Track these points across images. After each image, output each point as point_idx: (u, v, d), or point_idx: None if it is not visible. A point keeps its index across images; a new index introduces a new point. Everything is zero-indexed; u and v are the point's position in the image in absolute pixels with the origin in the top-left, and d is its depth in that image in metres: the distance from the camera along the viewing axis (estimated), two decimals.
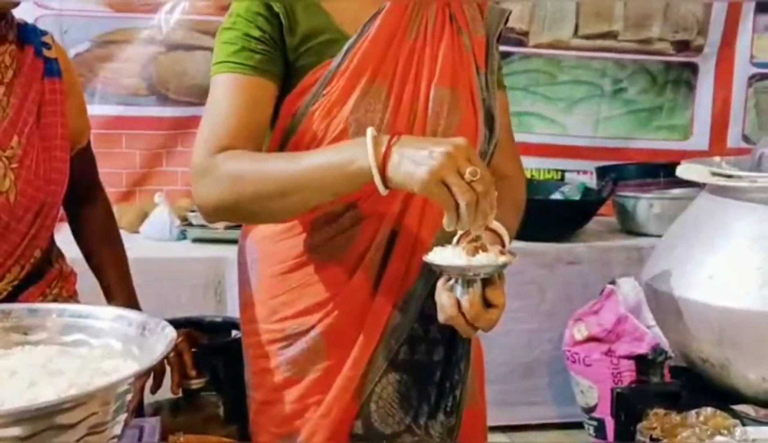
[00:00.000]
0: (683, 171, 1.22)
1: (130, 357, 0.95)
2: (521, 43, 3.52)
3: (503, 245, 1.17)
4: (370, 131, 1.05)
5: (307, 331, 1.24)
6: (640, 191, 3.13)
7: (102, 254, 1.58)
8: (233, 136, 1.16)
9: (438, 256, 1.07)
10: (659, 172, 3.15)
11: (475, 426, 1.33)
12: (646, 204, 3.10)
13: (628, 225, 3.17)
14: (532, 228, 2.85)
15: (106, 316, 0.98)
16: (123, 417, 0.85)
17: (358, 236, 1.22)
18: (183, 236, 2.97)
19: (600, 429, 2.78)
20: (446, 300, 1.07)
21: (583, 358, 2.80)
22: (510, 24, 3.40)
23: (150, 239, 2.93)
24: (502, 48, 3.49)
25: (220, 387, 1.56)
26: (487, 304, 1.07)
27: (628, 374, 2.72)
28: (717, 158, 1.31)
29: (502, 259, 1.06)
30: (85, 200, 1.57)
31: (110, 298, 1.53)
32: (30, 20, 1.46)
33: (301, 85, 1.21)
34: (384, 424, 1.24)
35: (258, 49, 1.19)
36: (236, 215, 1.20)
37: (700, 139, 3.67)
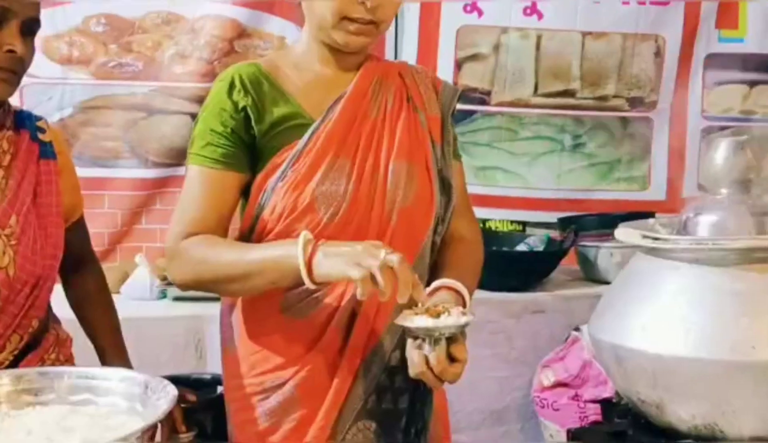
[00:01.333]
0: (619, 234, 1.37)
1: (134, 414, 1.07)
2: (484, 102, 3.71)
3: (464, 304, 1.32)
4: (303, 235, 1.22)
5: (283, 384, 1.38)
6: (600, 240, 3.27)
7: (95, 319, 1.68)
8: (198, 223, 1.35)
9: (407, 319, 1.21)
10: (618, 222, 3.28)
11: None
12: (606, 253, 3.24)
13: (590, 273, 3.32)
14: (499, 278, 3.05)
15: (112, 377, 1.10)
16: None
17: (327, 297, 1.36)
18: (163, 294, 3.05)
19: None
20: (416, 358, 1.21)
21: (551, 403, 2.92)
22: (473, 84, 3.67)
23: (131, 299, 3.02)
24: (467, 107, 3.72)
25: (207, 441, 1.66)
26: (452, 359, 1.21)
27: (594, 417, 2.82)
28: (651, 220, 1.48)
29: (464, 319, 1.22)
30: (78, 269, 1.68)
31: (104, 360, 1.63)
32: (18, 88, 1.56)
33: (271, 164, 1.37)
34: None
35: (220, 143, 1.37)
36: (203, 290, 1.37)
37: (657, 189, 3.84)
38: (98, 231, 3.28)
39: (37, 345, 1.50)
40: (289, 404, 1.37)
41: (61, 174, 1.53)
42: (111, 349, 1.65)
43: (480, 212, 3.73)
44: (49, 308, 1.56)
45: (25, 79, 1.48)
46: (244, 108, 1.37)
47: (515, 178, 3.73)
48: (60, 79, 3.34)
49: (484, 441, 2.96)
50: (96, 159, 3.39)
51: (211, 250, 1.31)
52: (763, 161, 1.27)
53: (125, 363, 1.62)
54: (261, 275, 1.26)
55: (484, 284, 3.02)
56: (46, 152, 1.51)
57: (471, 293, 1.39)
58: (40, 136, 1.52)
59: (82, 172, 3.21)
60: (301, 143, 1.36)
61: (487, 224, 3.62)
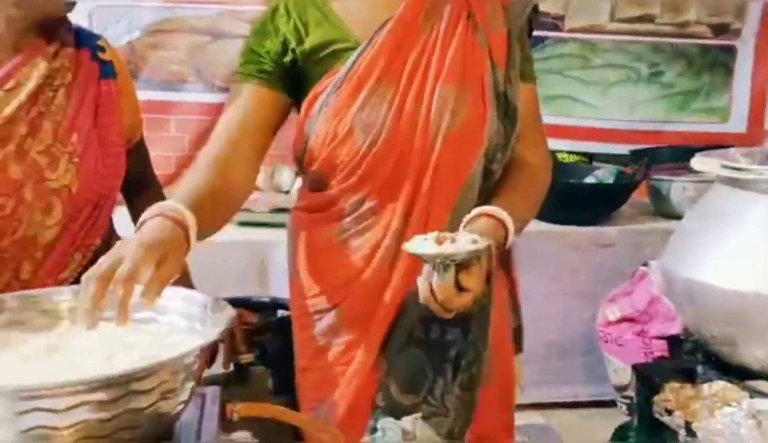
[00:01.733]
0: (697, 163, 1.30)
1: (193, 333, 1.07)
2: (556, 28, 3.57)
3: (506, 232, 1.26)
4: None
5: (329, 309, 1.37)
6: (674, 174, 3.17)
7: None
8: (222, 137, 1.32)
9: (414, 245, 1.17)
10: (693, 155, 3.18)
11: (490, 404, 1.41)
12: (680, 187, 3.14)
13: (661, 208, 3.22)
14: (565, 211, 2.97)
15: (173, 296, 1.10)
16: (190, 385, 0.97)
17: (376, 225, 1.33)
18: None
19: (632, 407, 2.85)
20: (420, 284, 1.18)
21: (615, 338, 2.87)
22: (545, 9, 3.51)
23: None
24: (538, 33, 3.58)
25: (267, 362, 1.68)
26: (462, 288, 1.16)
27: (659, 353, 2.78)
28: (732, 150, 1.39)
29: (469, 247, 1.14)
30: (139, 191, 1.67)
31: None
32: (87, 12, 1.57)
33: (314, 90, 1.33)
34: (403, 396, 1.34)
35: (257, 61, 1.35)
36: None
37: (738, 122, 3.68)
38: (165, 154, 3.33)
39: None
40: (335, 329, 1.38)
41: (121, 94, 1.52)
42: None
43: (549, 143, 3.68)
44: (112, 227, 1.58)
45: (94, 3, 1.48)
46: (284, 34, 1.34)
47: (586, 108, 3.62)
48: (129, 3, 3.34)
49: (546, 374, 2.94)
50: (163, 82, 3.41)
51: (187, 177, 1.30)
52: None
53: (188, 283, 1.63)
54: None
55: (549, 217, 3.06)
56: (107, 71, 1.49)
57: (523, 222, 1.34)
58: (100, 55, 1.51)
59: (149, 95, 3.30)
60: (343, 69, 1.31)
61: (554, 156, 3.53)
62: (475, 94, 1.33)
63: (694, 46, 3.60)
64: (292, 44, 1.34)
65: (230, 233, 3.03)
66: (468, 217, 1.24)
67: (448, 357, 1.35)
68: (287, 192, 3.17)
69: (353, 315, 1.36)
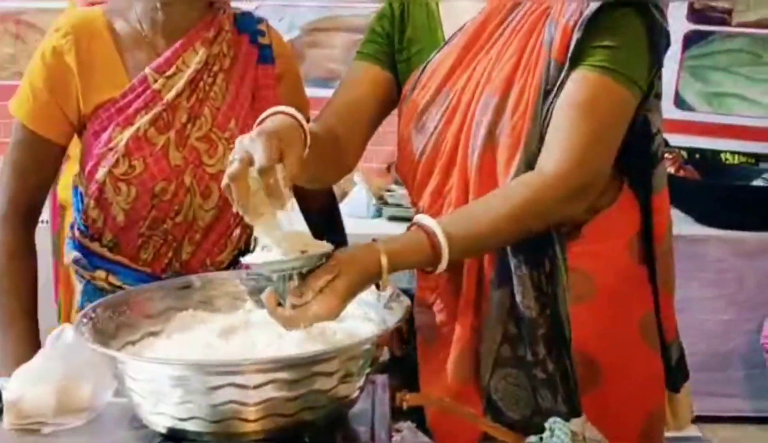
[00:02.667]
0: None
1: (367, 320, 1.10)
2: (723, 22, 3.39)
3: (435, 247, 1.07)
4: None
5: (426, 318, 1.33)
6: None
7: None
8: (331, 108, 1.29)
9: (251, 256, 1.02)
10: None
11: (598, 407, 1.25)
12: None
13: None
14: (730, 215, 2.82)
15: None
16: (366, 371, 0.99)
17: None
18: (379, 213, 3.13)
19: None
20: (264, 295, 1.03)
21: None
22: (711, 2, 3.32)
23: (349, 216, 3.12)
24: (704, 27, 3.43)
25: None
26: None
27: None
28: None
29: (287, 257, 0.97)
30: None
31: None
32: (251, 10, 1.56)
33: (404, 90, 1.31)
34: (511, 411, 1.26)
35: (371, 39, 1.34)
36: None
37: None
38: None
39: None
40: (427, 339, 1.33)
41: (282, 79, 1.49)
42: None
43: (712, 143, 3.51)
44: None
45: (258, 1, 1.49)
46: (393, 14, 1.34)
47: (754, 106, 3.40)
48: (291, 2, 3.46)
49: (707, 385, 2.79)
50: (320, 80, 3.51)
51: None
52: None
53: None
54: None
55: (713, 221, 2.91)
56: (265, 55, 1.46)
57: (481, 236, 1.13)
58: (260, 39, 1.47)
59: (308, 92, 3.41)
60: (419, 69, 1.29)
61: (718, 156, 3.36)
62: (517, 102, 1.20)
63: None
64: (397, 30, 1.33)
65: (381, 227, 3.11)
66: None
67: (538, 378, 1.23)
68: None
69: (444, 317, 1.30)
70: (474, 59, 1.25)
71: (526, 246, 1.20)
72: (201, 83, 1.39)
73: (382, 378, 1.14)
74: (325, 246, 1.01)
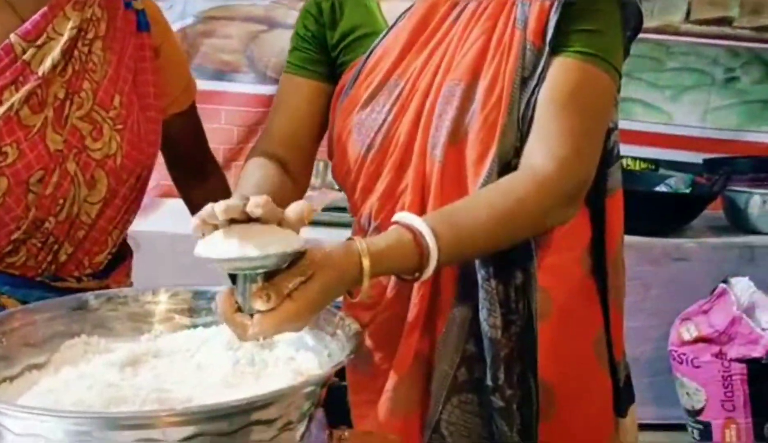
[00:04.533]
0: None
1: (302, 347, 0.92)
2: None
3: (420, 245, 0.92)
4: None
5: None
6: (752, 185, 2.99)
7: None
8: (269, 136, 1.18)
9: (205, 246, 0.83)
10: None
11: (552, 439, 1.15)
12: (759, 200, 2.95)
13: (738, 221, 3.04)
14: (633, 221, 2.78)
15: None
16: (310, 413, 0.82)
17: None
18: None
19: (706, 433, 2.68)
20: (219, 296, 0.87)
21: (691, 359, 2.69)
22: None
23: None
24: None
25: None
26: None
27: (739, 377, 2.61)
28: None
29: (253, 253, 0.79)
30: (196, 176, 1.48)
31: None
32: None
33: (339, 84, 1.17)
34: None
35: (302, 47, 1.20)
36: None
37: None
38: (214, 147, 3.16)
39: (124, 259, 1.34)
40: (367, 353, 1.16)
41: (160, 52, 1.31)
42: None
43: None
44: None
45: None
46: (322, 11, 1.19)
47: (656, 113, 3.44)
48: None
49: None
50: (215, 71, 3.29)
51: (247, 171, 1.13)
52: None
53: None
54: None
55: None
56: (140, 22, 1.28)
57: (472, 238, 0.98)
58: (133, 3, 1.28)
59: (199, 84, 3.16)
60: (363, 58, 1.13)
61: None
62: (490, 90, 1.05)
63: None
64: (328, 27, 1.18)
65: (315, 231, 2.93)
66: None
67: (495, 406, 1.09)
68: (340, 189, 3.04)
69: (380, 340, 1.15)
70: (428, 43, 1.10)
71: (497, 257, 1.05)
72: (76, 52, 1.18)
73: (319, 415, 0.97)
74: (299, 241, 0.82)
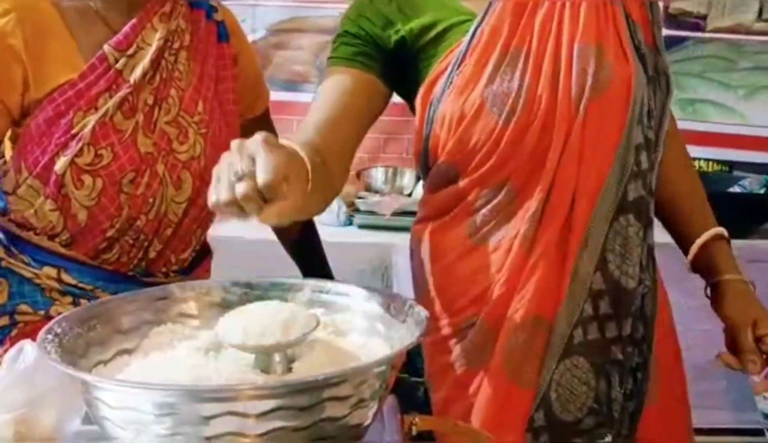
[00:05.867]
0: None
1: (374, 335, 0.97)
2: (698, 28, 3.35)
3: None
4: None
5: (476, 321, 1.21)
6: None
7: (292, 236, 1.59)
8: (309, 127, 1.15)
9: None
10: None
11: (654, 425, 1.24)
12: None
13: None
14: None
15: (352, 292, 1.00)
16: (382, 394, 0.86)
17: (512, 215, 1.18)
18: (350, 221, 3.01)
19: None
20: None
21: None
22: (687, 7, 3.29)
23: (319, 224, 2.99)
24: (678, 33, 3.38)
25: (415, 372, 1.57)
26: None
27: None
28: None
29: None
30: None
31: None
32: None
33: (434, 72, 1.19)
34: (565, 412, 1.19)
35: (352, 42, 1.21)
36: None
37: None
38: None
39: (206, 254, 1.43)
40: (482, 342, 1.20)
41: (237, 61, 1.39)
42: (316, 269, 1.57)
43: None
44: None
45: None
46: (386, 15, 1.22)
47: (729, 113, 3.37)
48: (253, 1, 3.32)
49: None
50: (286, 82, 3.38)
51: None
52: None
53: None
54: None
55: None
56: (220, 32, 1.37)
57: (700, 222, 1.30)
58: (214, 15, 1.37)
59: (273, 95, 3.26)
60: (464, 42, 1.17)
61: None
62: (615, 52, 1.16)
63: None
64: (397, 25, 1.21)
65: (352, 235, 2.99)
66: (703, 239, 1.06)
67: (611, 358, 1.18)
68: (410, 195, 3.07)
69: (491, 326, 1.19)
70: (533, 15, 1.17)
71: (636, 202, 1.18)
72: (164, 62, 1.26)
73: (391, 401, 1.01)
74: (312, 322, 0.88)
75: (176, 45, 1.28)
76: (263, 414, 0.75)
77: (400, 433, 0.95)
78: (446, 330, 1.25)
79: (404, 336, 0.90)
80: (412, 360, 1.57)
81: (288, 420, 0.76)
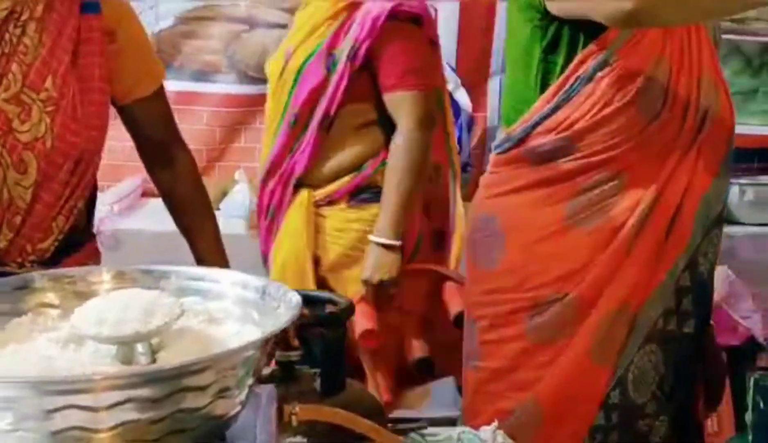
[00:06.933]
0: None
1: (248, 322, 0.92)
2: None
3: None
4: None
5: (562, 298, 1.29)
6: (732, 177, 2.98)
7: (190, 222, 1.52)
8: None
9: None
10: (753, 157, 3.02)
11: None
12: (738, 191, 2.96)
13: None
14: None
15: (224, 279, 0.95)
16: (249, 383, 0.82)
17: (618, 205, 1.25)
18: None
19: None
20: None
21: None
22: None
23: (229, 217, 2.89)
24: None
25: (313, 362, 1.53)
26: None
27: None
28: None
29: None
30: (163, 161, 1.49)
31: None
32: None
33: (588, 49, 1.24)
34: (637, 393, 1.29)
35: None
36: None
37: None
38: (197, 148, 3.16)
39: (79, 246, 1.35)
40: (564, 319, 1.29)
41: (116, 33, 1.31)
42: (209, 256, 1.49)
43: None
44: (96, 190, 1.41)
45: None
46: None
47: None
48: None
49: None
50: (196, 73, 3.28)
51: None
52: None
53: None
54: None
55: None
56: (85, 4, 1.29)
57: None
58: None
59: (181, 85, 3.18)
60: (626, 32, 1.25)
61: None
62: (720, 88, 1.33)
63: (752, 43, 3.42)
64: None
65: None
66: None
67: (682, 353, 1.30)
68: None
69: (589, 302, 1.28)
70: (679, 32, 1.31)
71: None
72: (7, 35, 1.19)
73: (268, 390, 0.97)
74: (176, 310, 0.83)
75: (24, 16, 1.21)
76: (112, 406, 0.70)
77: (275, 423, 0.91)
78: (514, 304, 1.32)
79: (277, 322, 0.86)
80: (310, 350, 1.54)
81: (139, 412, 0.71)
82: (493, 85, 3.15)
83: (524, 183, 1.28)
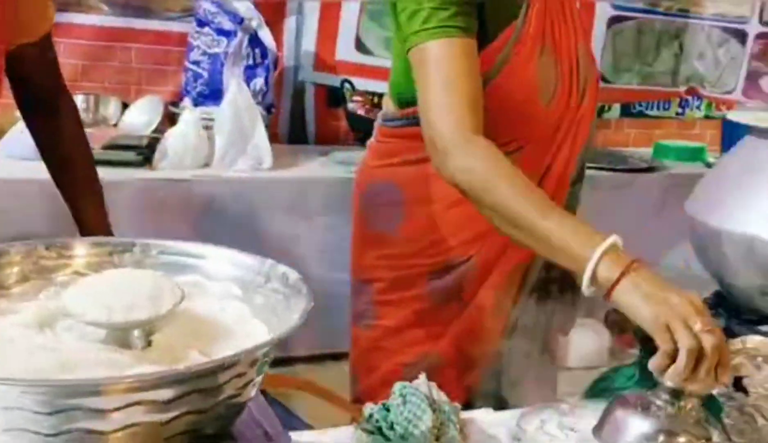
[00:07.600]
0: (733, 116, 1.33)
1: (230, 297, 0.88)
2: None
3: None
4: (612, 240, 1.01)
5: (466, 260, 1.34)
6: None
7: (71, 176, 1.41)
8: (473, 107, 1.16)
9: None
10: None
11: None
12: None
13: None
14: None
15: (219, 257, 0.90)
16: (260, 378, 0.79)
17: None
18: None
19: None
20: None
21: None
22: None
23: (8, 158, 2.43)
24: None
25: None
26: None
27: None
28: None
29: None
30: (46, 110, 1.39)
31: (85, 231, 1.37)
32: None
33: (497, 42, 1.27)
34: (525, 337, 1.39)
35: (467, 11, 1.21)
36: (475, 203, 1.17)
37: None
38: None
39: None
40: (469, 279, 1.36)
41: None
42: (94, 217, 1.39)
43: None
44: None
45: None
46: None
47: None
48: None
49: None
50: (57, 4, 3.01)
51: (506, 186, 1.11)
52: None
53: (108, 233, 1.37)
54: (546, 247, 1.08)
55: None
56: None
57: None
58: None
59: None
60: (519, 21, 1.28)
61: None
62: (589, 53, 1.39)
63: None
64: None
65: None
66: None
67: (552, 296, 1.39)
68: (115, 125, 2.76)
69: (485, 266, 1.35)
70: (553, 9, 1.32)
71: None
72: None
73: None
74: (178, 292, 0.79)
75: None
76: (118, 409, 0.66)
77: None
78: (416, 269, 1.37)
79: (273, 299, 0.84)
80: None
81: (148, 414, 0.67)
82: (289, 24, 3.11)
83: (422, 156, 1.26)
